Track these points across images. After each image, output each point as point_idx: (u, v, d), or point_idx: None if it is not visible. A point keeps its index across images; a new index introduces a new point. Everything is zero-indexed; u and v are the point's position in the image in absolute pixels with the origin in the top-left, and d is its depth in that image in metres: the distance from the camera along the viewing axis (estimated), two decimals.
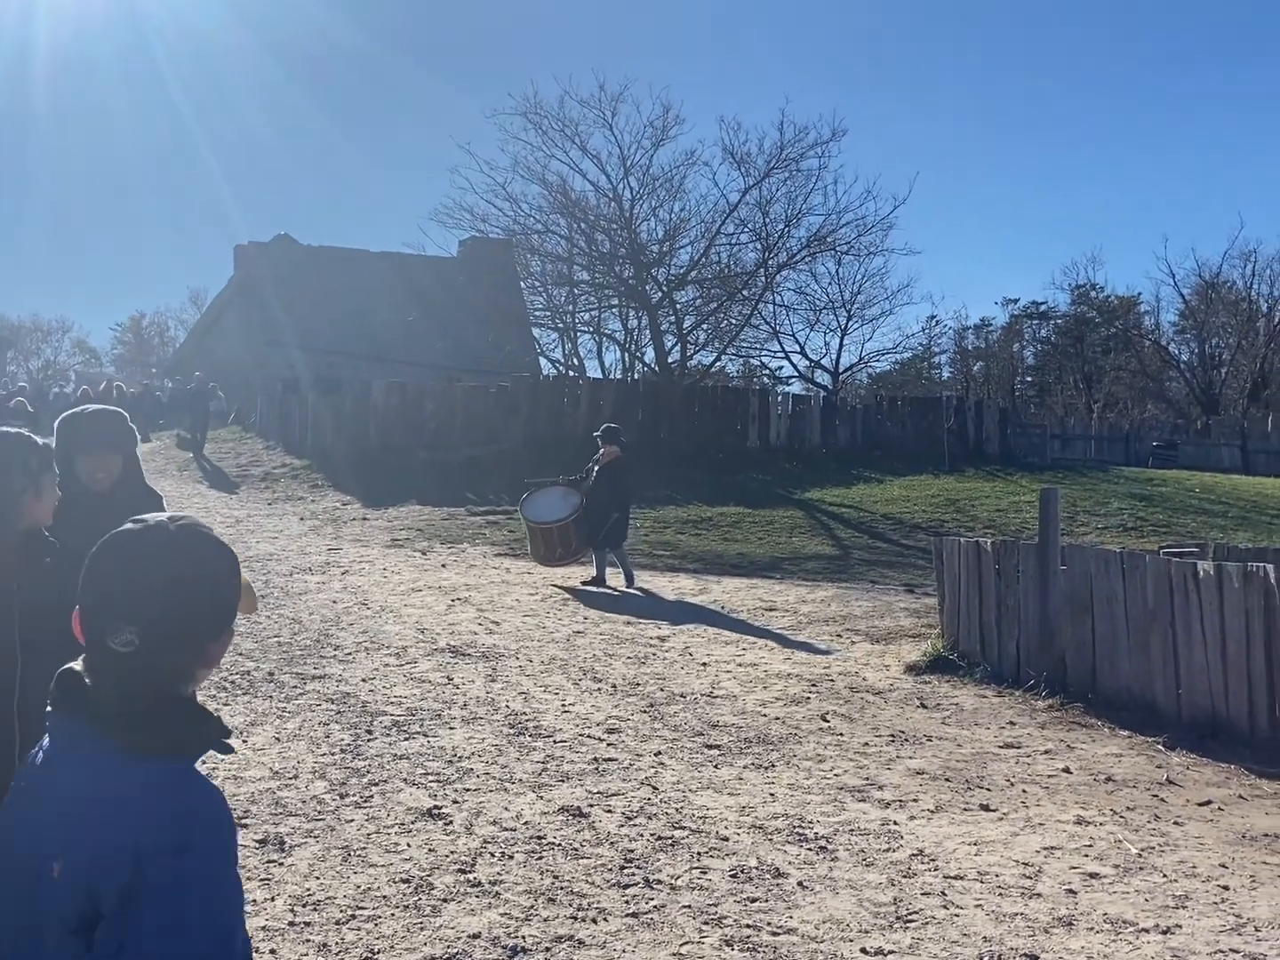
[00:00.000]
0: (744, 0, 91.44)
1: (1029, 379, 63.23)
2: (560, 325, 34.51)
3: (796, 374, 42.66)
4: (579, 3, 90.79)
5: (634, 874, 4.94)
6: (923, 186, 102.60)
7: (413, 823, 5.49)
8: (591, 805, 5.79)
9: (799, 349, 40.14)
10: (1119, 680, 7.90)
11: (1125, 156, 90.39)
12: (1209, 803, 6.05)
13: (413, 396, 23.91)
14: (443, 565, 13.92)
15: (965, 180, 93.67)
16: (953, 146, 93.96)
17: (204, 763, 5.78)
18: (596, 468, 13.33)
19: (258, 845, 5.10)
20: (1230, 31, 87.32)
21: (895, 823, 5.69)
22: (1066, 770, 6.61)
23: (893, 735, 7.31)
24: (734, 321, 31.97)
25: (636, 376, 33.63)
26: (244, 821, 5.33)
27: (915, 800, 6.06)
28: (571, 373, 35.43)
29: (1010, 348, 62.80)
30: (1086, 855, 5.28)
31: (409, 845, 5.19)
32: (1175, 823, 5.74)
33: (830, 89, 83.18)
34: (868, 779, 6.40)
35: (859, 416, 27.55)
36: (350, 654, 8.97)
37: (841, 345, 40.65)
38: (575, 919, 4.50)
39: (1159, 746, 7.08)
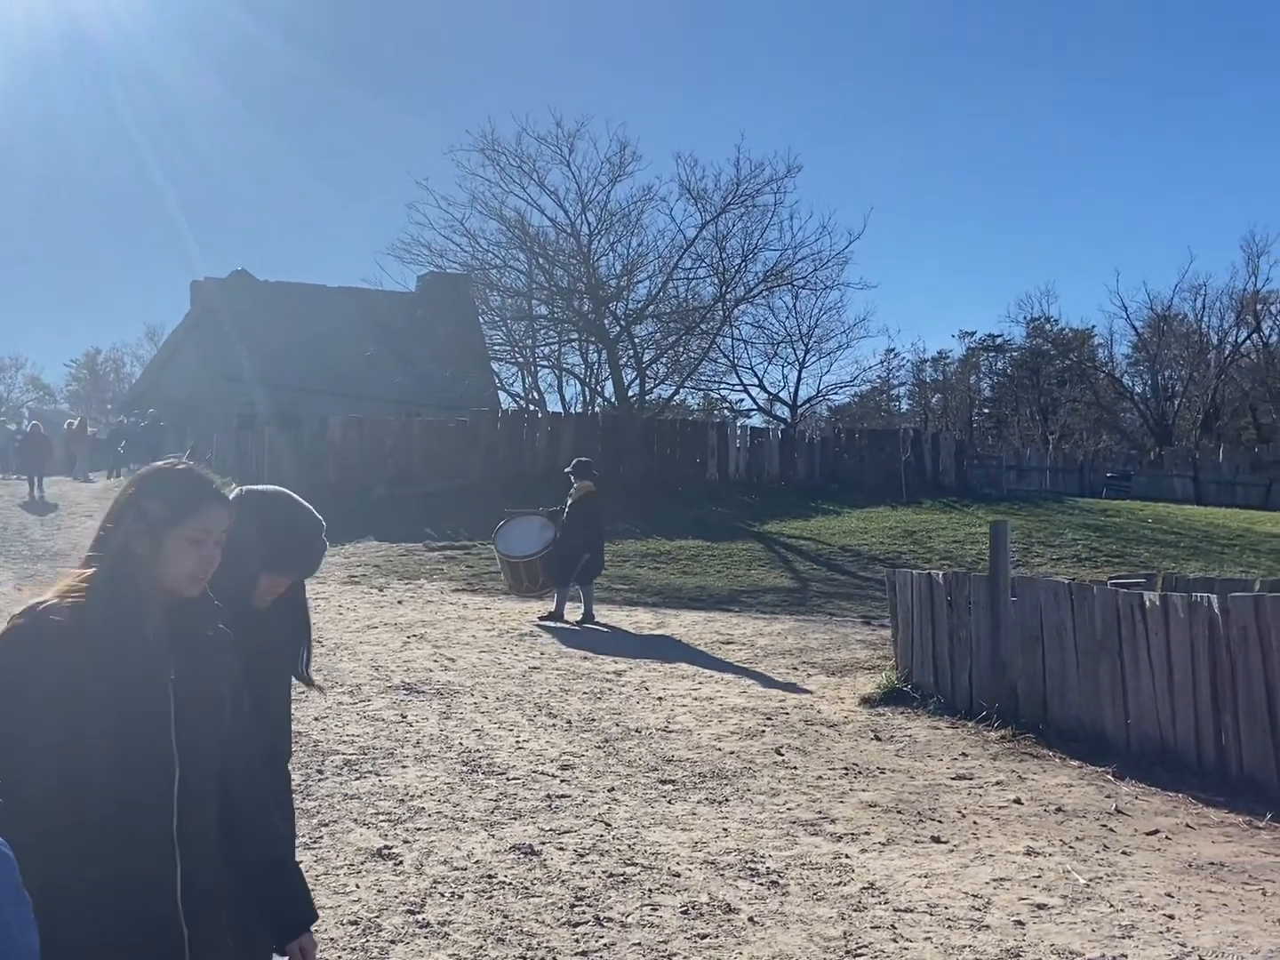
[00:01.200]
0: (700, 38, 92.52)
1: (986, 410, 63.89)
2: (520, 359, 34.50)
3: (755, 407, 42.93)
4: (537, 39, 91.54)
5: (584, 912, 4.93)
6: (877, 221, 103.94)
7: (362, 863, 5.44)
8: (543, 843, 5.77)
9: (758, 382, 40.42)
10: (1069, 710, 7.97)
11: (1077, 189, 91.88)
12: (1156, 832, 6.11)
13: (371, 431, 23.82)
14: (399, 601, 13.85)
15: (919, 214, 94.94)
16: (906, 181, 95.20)
17: None
18: (570, 503, 13.20)
19: None
20: (1179, 69, 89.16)
21: (847, 856, 5.71)
22: (1017, 801, 6.65)
23: (846, 768, 7.33)
24: (692, 355, 32.05)
25: (596, 410, 33.69)
26: None
27: (867, 833, 6.08)
28: (531, 407, 35.46)
29: (967, 380, 63.48)
30: (1035, 886, 5.31)
31: (357, 886, 5.15)
32: (1123, 852, 5.79)
33: (785, 125, 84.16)
34: (820, 812, 6.42)
35: (817, 449, 27.69)
36: (303, 692, 8.82)
37: (800, 378, 40.95)
38: (524, 959, 4.48)
39: (1108, 776, 7.14)
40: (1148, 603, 7.50)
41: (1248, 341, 52.89)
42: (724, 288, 29.07)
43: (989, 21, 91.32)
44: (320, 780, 6.70)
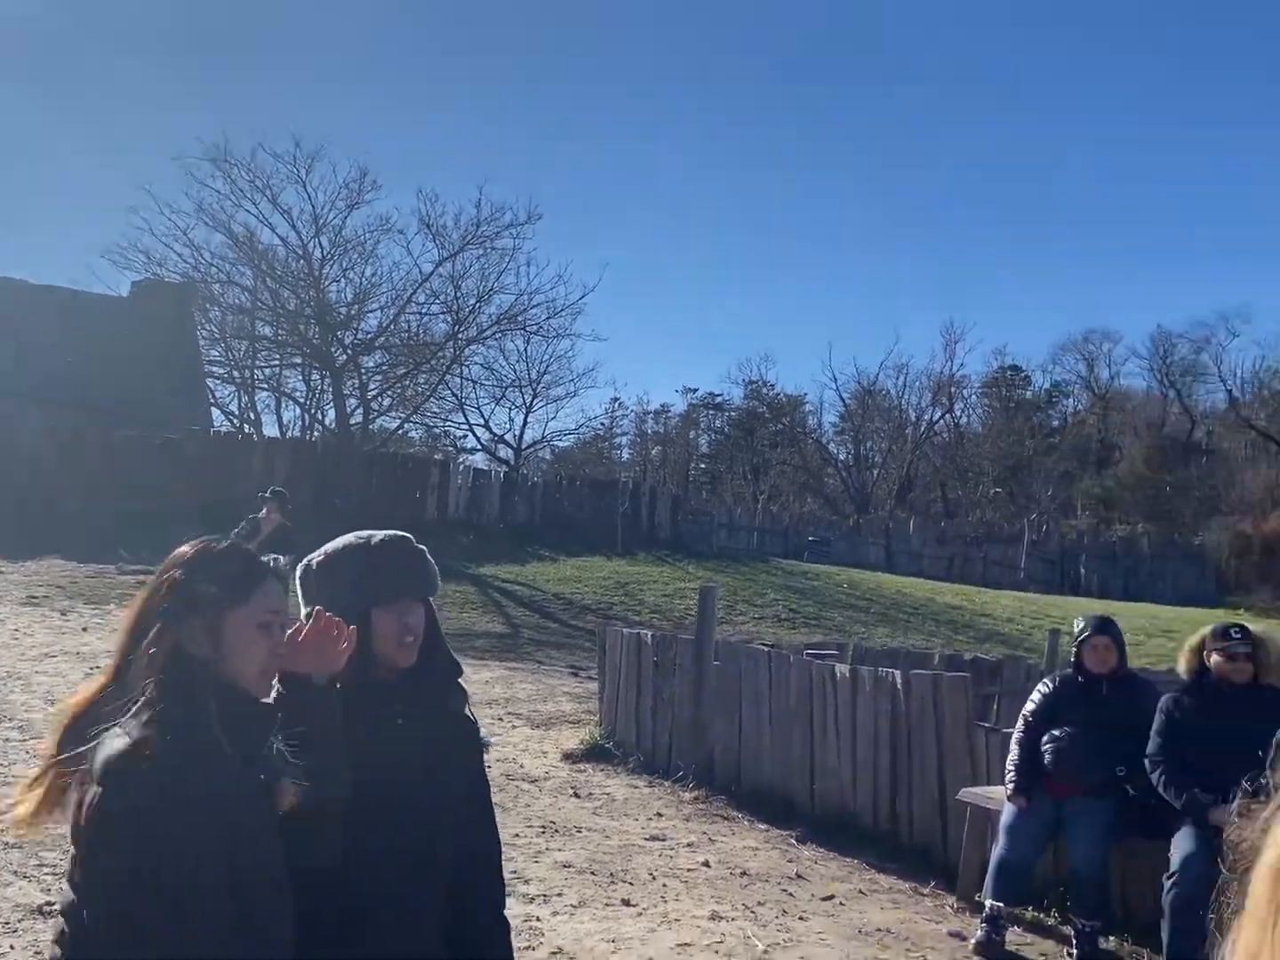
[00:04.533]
0: (453, 74, 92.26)
1: (703, 465, 66.05)
2: (238, 379, 33.33)
3: (479, 447, 42.93)
4: (283, 57, 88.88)
5: None
6: (611, 275, 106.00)
7: (19, 920, 5.05)
8: None
9: (483, 422, 40.46)
10: (762, 774, 8.27)
11: (796, 259, 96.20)
12: (832, 897, 6.39)
13: (68, 441, 22.37)
14: (84, 628, 12.99)
15: (652, 271, 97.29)
16: (640, 237, 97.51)
17: None
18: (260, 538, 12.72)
19: None
20: (899, 156, 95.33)
21: (538, 919, 5.71)
22: (706, 864, 6.83)
23: (544, 826, 7.34)
24: (420, 390, 31.83)
25: (315, 437, 32.82)
26: None
27: (560, 894, 6.10)
28: (247, 428, 34.20)
29: (687, 435, 65.52)
30: (717, 952, 5.46)
31: (13, 947, 4.77)
32: (800, 918, 6.03)
33: (528, 173, 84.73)
34: (515, 872, 6.38)
35: (538, 493, 27.90)
36: None
37: (525, 422, 41.25)
38: None
39: (792, 840, 7.44)
40: (839, 674, 7.90)
41: (941, 421, 57.07)
42: (457, 326, 29.10)
43: (724, 92, 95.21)
44: None
